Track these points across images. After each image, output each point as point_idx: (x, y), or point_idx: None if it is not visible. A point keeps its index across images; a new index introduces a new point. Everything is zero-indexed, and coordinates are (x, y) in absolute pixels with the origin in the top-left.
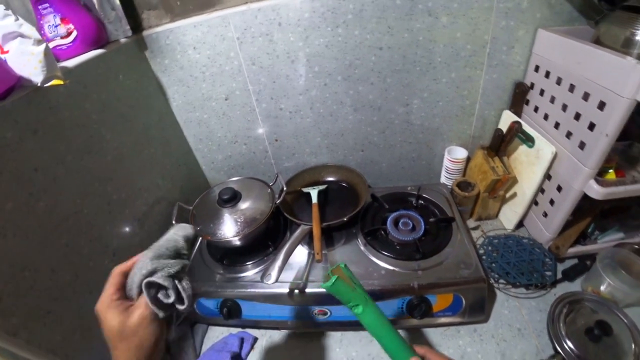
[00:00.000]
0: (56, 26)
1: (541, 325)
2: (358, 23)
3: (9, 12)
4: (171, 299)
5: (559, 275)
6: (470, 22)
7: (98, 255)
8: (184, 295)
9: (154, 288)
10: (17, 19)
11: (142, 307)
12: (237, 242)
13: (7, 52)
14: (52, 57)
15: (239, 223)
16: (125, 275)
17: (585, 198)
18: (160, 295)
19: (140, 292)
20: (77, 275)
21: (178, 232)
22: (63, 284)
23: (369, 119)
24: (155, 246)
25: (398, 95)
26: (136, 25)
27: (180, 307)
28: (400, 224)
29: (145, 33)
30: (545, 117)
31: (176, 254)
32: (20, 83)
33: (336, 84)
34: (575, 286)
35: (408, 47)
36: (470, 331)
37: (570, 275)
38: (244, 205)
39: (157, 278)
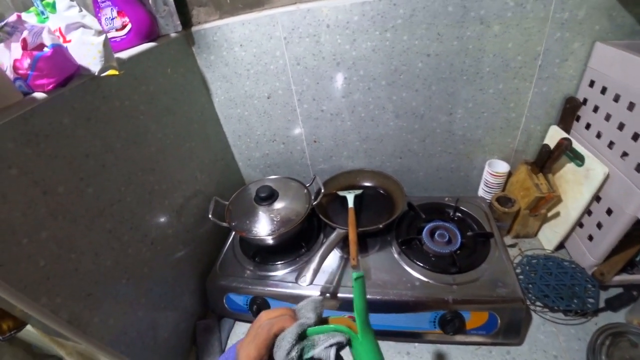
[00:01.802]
0: (112, 19)
1: (579, 355)
2: (407, 28)
3: (74, 3)
4: None
5: (602, 304)
6: (523, 33)
7: (137, 243)
8: None
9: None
10: (80, 10)
11: None
12: (270, 241)
13: (69, 41)
14: (110, 48)
15: (274, 222)
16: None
17: (637, 223)
18: None
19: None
20: (117, 262)
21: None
22: (104, 268)
23: (410, 126)
24: (303, 310)
25: (442, 103)
26: (186, 21)
27: None
28: (436, 235)
29: (194, 29)
30: (598, 135)
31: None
32: (79, 71)
33: (380, 89)
34: (618, 317)
35: (456, 55)
36: (503, 353)
37: (614, 305)
38: (280, 204)
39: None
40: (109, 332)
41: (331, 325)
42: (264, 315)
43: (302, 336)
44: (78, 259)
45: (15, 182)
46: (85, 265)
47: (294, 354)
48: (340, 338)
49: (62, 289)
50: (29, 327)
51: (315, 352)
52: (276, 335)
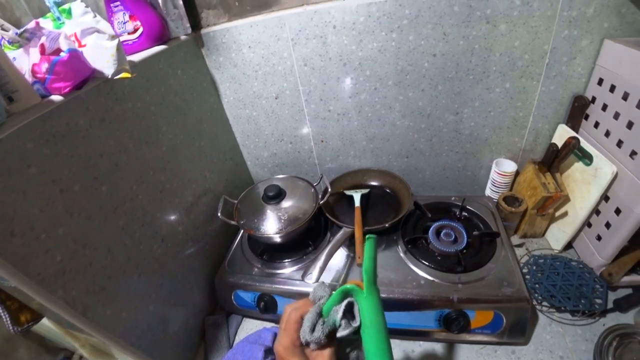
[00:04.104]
0: (125, 23)
1: (586, 356)
2: (413, 29)
3: (89, 9)
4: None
5: (610, 305)
6: (530, 31)
7: (148, 239)
8: None
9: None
10: (95, 16)
11: (327, 353)
12: (278, 239)
13: (84, 45)
14: (122, 51)
15: (282, 220)
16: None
17: None
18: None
19: (323, 343)
20: (129, 258)
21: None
22: (117, 264)
23: (416, 126)
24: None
25: (448, 103)
26: (195, 23)
27: None
28: (442, 234)
29: (203, 31)
30: (607, 133)
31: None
32: (94, 75)
33: (386, 89)
34: (627, 318)
35: (462, 54)
36: (508, 352)
37: (622, 305)
38: (287, 203)
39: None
40: (120, 325)
41: (338, 289)
42: (288, 308)
43: (320, 315)
44: (92, 254)
45: (34, 181)
46: (99, 260)
47: (318, 332)
48: (347, 300)
49: (77, 282)
50: (43, 320)
51: (331, 323)
52: (302, 320)
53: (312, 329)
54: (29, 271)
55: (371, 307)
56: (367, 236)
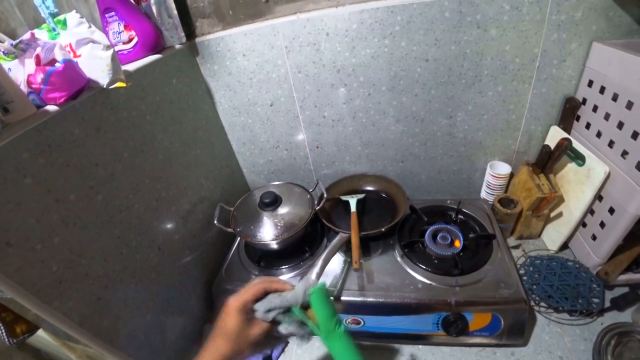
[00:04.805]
0: (119, 33)
1: (585, 355)
2: (405, 35)
3: (84, 20)
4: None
5: (607, 304)
6: (520, 35)
7: (144, 248)
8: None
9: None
10: (90, 27)
11: (262, 329)
12: (275, 245)
13: (79, 55)
14: (117, 61)
15: (278, 227)
16: (266, 293)
17: None
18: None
19: (270, 318)
20: (125, 267)
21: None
22: (113, 273)
23: (411, 130)
24: (297, 291)
25: (442, 107)
26: (190, 33)
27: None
28: (438, 237)
29: (197, 40)
30: (598, 134)
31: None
32: (89, 84)
33: (380, 95)
34: (624, 317)
35: (454, 59)
36: (507, 354)
37: (620, 304)
38: (283, 209)
39: (290, 327)
40: (117, 335)
41: (310, 319)
42: (264, 278)
43: (282, 307)
44: (88, 264)
45: (30, 191)
46: (95, 270)
47: (272, 314)
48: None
49: (74, 293)
50: (39, 332)
51: (285, 325)
52: (267, 293)
53: (269, 310)
54: (24, 282)
55: (341, 350)
56: (312, 290)
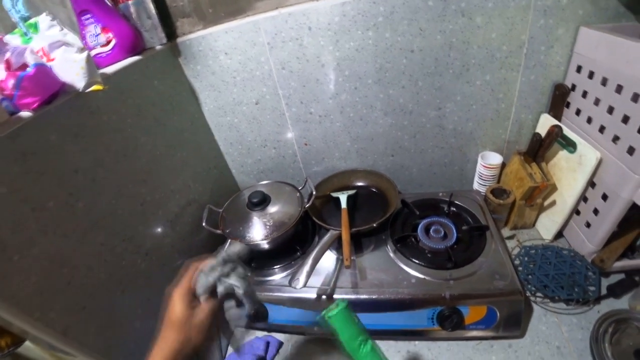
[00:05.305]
0: (97, 35)
1: (583, 344)
2: (389, 25)
3: (55, 22)
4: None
5: (604, 291)
6: (506, 22)
7: (131, 254)
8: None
9: (224, 292)
10: (61, 29)
11: (206, 311)
12: (265, 245)
13: (52, 59)
14: (93, 64)
15: (267, 227)
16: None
17: (634, 208)
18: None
19: (209, 295)
20: (110, 274)
21: (234, 248)
22: (98, 281)
23: (399, 123)
24: (221, 255)
25: (430, 98)
26: (170, 33)
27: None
28: (431, 231)
29: (179, 40)
30: (589, 120)
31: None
32: (64, 89)
33: (366, 88)
34: (621, 303)
35: (440, 49)
36: (505, 346)
37: (616, 291)
38: (273, 208)
39: (231, 280)
40: (106, 343)
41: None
42: (188, 261)
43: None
44: (70, 273)
45: (4, 200)
46: (78, 278)
47: (210, 283)
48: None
49: (56, 303)
50: (27, 344)
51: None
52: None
53: (207, 274)
54: (2, 294)
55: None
56: (332, 312)
